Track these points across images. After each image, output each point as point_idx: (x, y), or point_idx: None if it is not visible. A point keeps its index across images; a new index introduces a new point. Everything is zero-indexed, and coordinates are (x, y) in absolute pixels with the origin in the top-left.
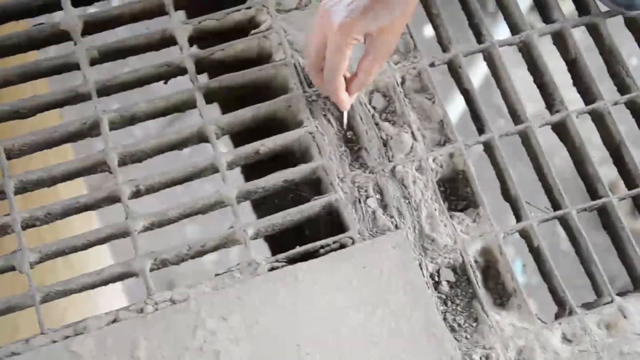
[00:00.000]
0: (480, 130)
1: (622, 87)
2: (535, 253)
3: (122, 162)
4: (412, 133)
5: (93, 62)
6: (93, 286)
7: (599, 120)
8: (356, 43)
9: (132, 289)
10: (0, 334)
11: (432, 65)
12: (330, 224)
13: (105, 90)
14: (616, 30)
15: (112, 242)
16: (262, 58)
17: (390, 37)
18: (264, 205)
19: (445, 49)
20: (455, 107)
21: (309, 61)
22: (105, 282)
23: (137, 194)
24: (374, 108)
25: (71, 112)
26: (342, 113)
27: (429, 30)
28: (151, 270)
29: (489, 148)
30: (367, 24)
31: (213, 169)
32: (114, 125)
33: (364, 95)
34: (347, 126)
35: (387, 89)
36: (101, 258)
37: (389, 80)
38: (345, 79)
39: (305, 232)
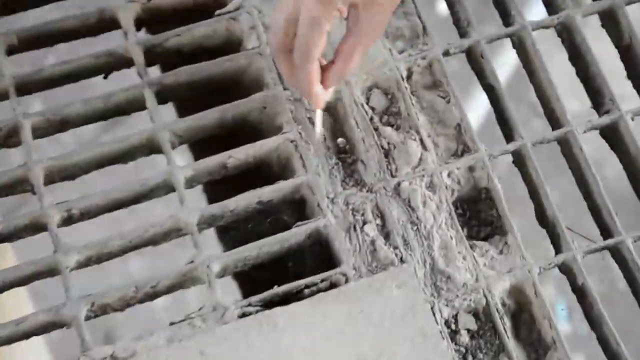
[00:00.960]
0: (509, 136)
1: None
2: (580, 293)
3: (50, 180)
4: (421, 140)
5: (11, 51)
6: (9, 340)
7: None
8: (337, 15)
9: (61, 343)
10: None
11: (446, 53)
12: (318, 256)
13: (26, 87)
14: None
15: (35, 283)
16: (231, 46)
17: (380, 10)
18: (232, 233)
19: (463, 33)
20: (477, 107)
21: (275, 39)
22: (26, 335)
23: (69, 221)
24: (373, 109)
25: None
26: (314, 112)
27: (442, 9)
28: (87, 318)
29: (519, 159)
30: None
31: (167, 188)
32: (39, 132)
33: (360, 93)
34: (320, 131)
35: (389, 85)
36: (20, 304)
37: (391, 73)
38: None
39: (286, 268)
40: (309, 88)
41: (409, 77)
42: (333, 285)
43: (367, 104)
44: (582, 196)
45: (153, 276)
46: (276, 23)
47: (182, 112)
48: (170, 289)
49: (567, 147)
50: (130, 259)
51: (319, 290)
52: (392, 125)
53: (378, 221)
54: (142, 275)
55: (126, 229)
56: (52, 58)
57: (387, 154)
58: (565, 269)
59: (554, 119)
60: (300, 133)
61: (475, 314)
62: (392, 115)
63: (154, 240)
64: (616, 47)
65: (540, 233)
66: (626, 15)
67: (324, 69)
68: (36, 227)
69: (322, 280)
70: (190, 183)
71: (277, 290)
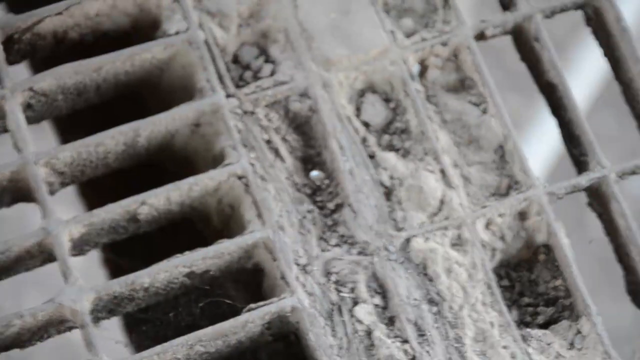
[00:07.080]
0: (581, 163)
1: None
2: None
3: None
4: (443, 172)
5: None
6: None
7: None
8: None
9: None
10: None
11: (480, 36)
12: (284, 357)
13: None
14: None
15: None
16: (143, 28)
17: None
18: (146, 325)
19: (507, 3)
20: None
21: None
22: None
23: None
24: (367, 125)
25: None
26: None
27: None
28: None
29: (598, 197)
30: None
31: (43, 256)
32: None
33: (347, 100)
34: None
35: (392, 87)
36: None
37: (395, 68)
38: None
39: None
40: None
41: (422, 73)
42: None
43: (358, 116)
44: None
45: None
46: None
47: (65, 136)
48: None
49: None
50: None
51: None
52: (397, 150)
53: (377, 300)
54: None
55: None
56: None
57: (389, 194)
58: None
59: None
60: (253, 164)
61: None
62: (396, 133)
63: (20, 340)
64: None
65: (634, 314)
66: None
67: None
68: None
69: None
70: (79, 247)
71: None
